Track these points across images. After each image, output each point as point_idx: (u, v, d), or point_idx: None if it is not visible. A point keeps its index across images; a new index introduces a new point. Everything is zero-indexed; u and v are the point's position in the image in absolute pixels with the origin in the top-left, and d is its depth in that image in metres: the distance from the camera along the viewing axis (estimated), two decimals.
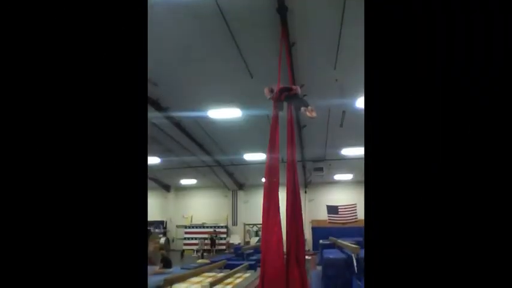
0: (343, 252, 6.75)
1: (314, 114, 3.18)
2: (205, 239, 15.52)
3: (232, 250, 11.83)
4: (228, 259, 8.80)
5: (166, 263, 8.66)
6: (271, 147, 3.30)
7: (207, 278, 6.73)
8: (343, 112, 7.23)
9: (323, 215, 15.55)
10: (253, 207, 16.18)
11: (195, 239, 15.85)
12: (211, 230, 16.20)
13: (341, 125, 7.49)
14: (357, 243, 7.15)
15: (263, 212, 3.17)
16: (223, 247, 15.72)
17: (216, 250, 15.22)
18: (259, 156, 11.80)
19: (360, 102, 7.29)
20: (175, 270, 8.27)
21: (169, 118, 8.23)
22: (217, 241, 15.70)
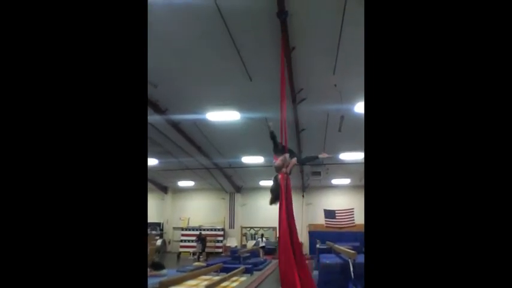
0: (339, 257, 6.72)
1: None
2: (198, 240, 14.59)
3: (229, 253, 11.74)
4: (225, 262, 8.76)
5: (157, 267, 8.60)
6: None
7: (203, 281, 6.69)
8: (342, 117, 7.23)
9: (320, 219, 15.51)
10: (250, 210, 16.15)
11: (192, 241, 15.58)
12: (197, 232, 15.31)
13: (339, 130, 7.48)
14: (354, 248, 7.13)
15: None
16: (220, 250, 15.63)
17: (207, 253, 14.32)
18: (257, 159, 11.79)
19: (358, 107, 7.29)
20: (171, 272, 8.23)
21: (168, 120, 8.22)
22: (208, 244, 14.86)
